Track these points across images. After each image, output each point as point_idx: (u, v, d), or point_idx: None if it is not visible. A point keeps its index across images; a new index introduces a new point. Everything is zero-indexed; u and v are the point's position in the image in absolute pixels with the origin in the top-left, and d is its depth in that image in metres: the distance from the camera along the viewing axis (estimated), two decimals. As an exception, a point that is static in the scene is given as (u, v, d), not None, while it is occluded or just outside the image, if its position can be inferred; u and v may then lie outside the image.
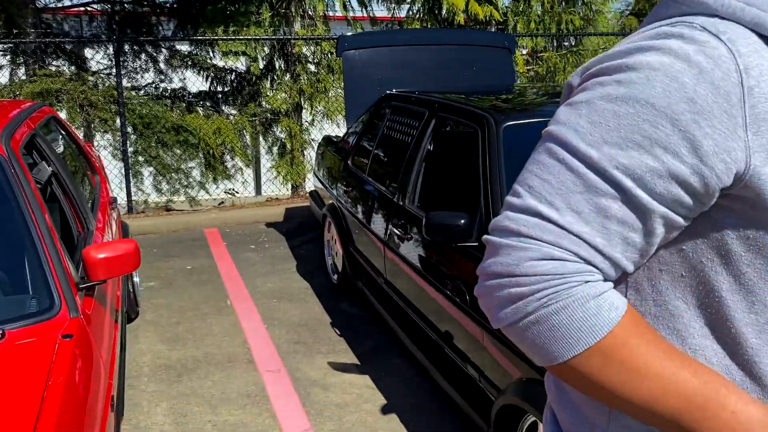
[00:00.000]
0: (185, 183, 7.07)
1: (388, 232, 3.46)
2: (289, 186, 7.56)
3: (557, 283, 0.74)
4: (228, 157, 7.32)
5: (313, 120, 7.57)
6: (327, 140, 5.39)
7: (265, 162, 7.60)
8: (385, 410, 3.12)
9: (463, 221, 2.59)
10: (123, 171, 6.75)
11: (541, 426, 2.15)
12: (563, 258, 0.74)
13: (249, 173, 7.46)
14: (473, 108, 3.08)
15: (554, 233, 0.74)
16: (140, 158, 6.88)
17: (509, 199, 0.79)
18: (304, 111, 7.60)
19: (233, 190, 7.49)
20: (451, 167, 3.51)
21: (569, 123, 0.77)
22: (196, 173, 7.16)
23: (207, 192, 7.19)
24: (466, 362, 2.67)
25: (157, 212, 6.89)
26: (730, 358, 0.79)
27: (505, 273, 0.76)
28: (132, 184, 6.80)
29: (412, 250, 3.18)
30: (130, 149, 6.77)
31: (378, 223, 3.63)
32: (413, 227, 3.18)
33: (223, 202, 7.32)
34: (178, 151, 7.02)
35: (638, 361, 0.74)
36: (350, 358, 3.65)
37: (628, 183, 0.73)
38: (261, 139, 7.57)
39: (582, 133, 0.75)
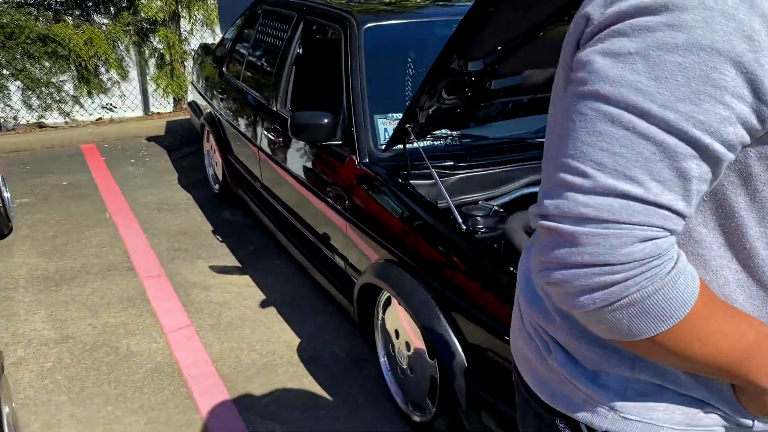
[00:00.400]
0: (57, 98, 6.71)
1: (262, 137, 3.54)
2: (171, 99, 7.35)
3: (654, 265, 0.71)
4: (103, 69, 6.99)
5: (192, 29, 7.31)
6: (203, 48, 5.28)
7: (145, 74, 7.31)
8: (264, 304, 3.30)
9: (326, 120, 2.72)
10: (-14, 85, 6.32)
11: (394, 300, 2.39)
12: (656, 237, 0.71)
13: (126, 86, 7.16)
14: (337, 10, 3.15)
15: (642, 212, 0.70)
16: (5, 71, 6.44)
17: (572, 179, 0.72)
18: (182, 20, 7.30)
19: (111, 104, 7.20)
20: (319, 70, 3.59)
21: (627, 82, 0.69)
22: (69, 87, 6.81)
23: (82, 107, 6.87)
24: (333, 252, 2.86)
25: (30, 129, 6.55)
26: (744, 273, 0.81)
27: (596, 263, 0.71)
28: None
29: (283, 153, 3.29)
30: (-8, 62, 6.32)
31: (252, 128, 3.69)
32: (284, 131, 3.27)
33: (101, 118, 7.04)
34: (47, 64, 6.60)
35: (712, 325, 0.75)
36: (231, 261, 3.78)
37: (707, 139, 0.69)
38: (137, 50, 7.24)
39: (649, 93, 0.69)
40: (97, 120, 6.94)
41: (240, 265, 3.72)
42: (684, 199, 0.71)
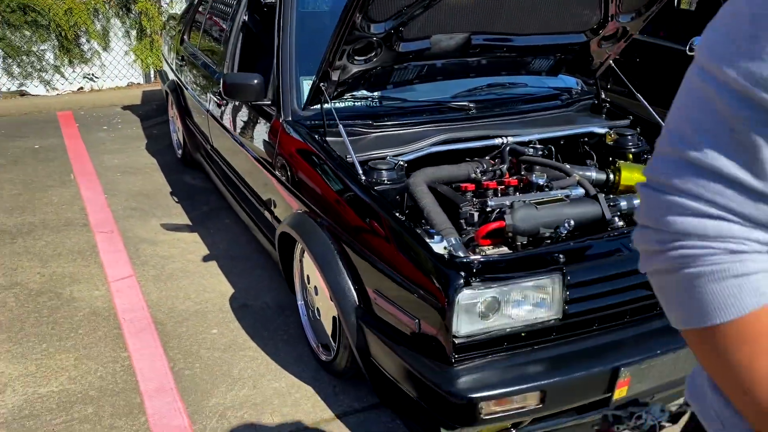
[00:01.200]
0: (38, 67, 6.86)
1: (210, 101, 3.68)
2: (152, 71, 7.48)
3: (699, 245, 0.70)
4: (84, 39, 7.13)
5: (172, 1, 7.42)
6: (170, 17, 5.41)
7: (123, 46, 7.43)
8: (206, 259, 3.47)
9: (256, 81, 2.86)
10: (-33, 52, 6.46)
11: (307, 253, 2.54)
12: (714, 216, 0.69)
13: (106, 57, 7.29)
14: (275, -23, 3.27)
15: (710, 189, 0.69)
16: (-15, 39, 6.58)
17: (662, 146, 0.74)
18: (162, -8, 7.42)
19: (92, 75, 7.34)
20: (264, 35, 3.71)
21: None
22: (49, 56, 6.95)
23: (63, 76, 7.01)
24: (263, 207, 3.02)
25: (11, 96, 6.70)
26: None
27: (649, 224, 0.74)
28: (-21, 66, 6.54)
29: (226, 116, 3.44)
30: (-27, 29, 6.46)
31: (204, 94, 3.84)
32: (227, 93, 3.41)
33: (82, 88, 7.18)
34: (28, 33, 6.75)
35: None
36: (183, 220, 3.95)
37: None
38: (118, 21, 7.36)
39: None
40: (78, 89, 7.08)
41: (191, 224, 3.88)
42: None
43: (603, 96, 3.25)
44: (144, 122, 5.93)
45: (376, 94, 2.87)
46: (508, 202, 2.32)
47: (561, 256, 2.00)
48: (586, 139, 3.01)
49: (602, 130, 2.96)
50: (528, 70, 3.05)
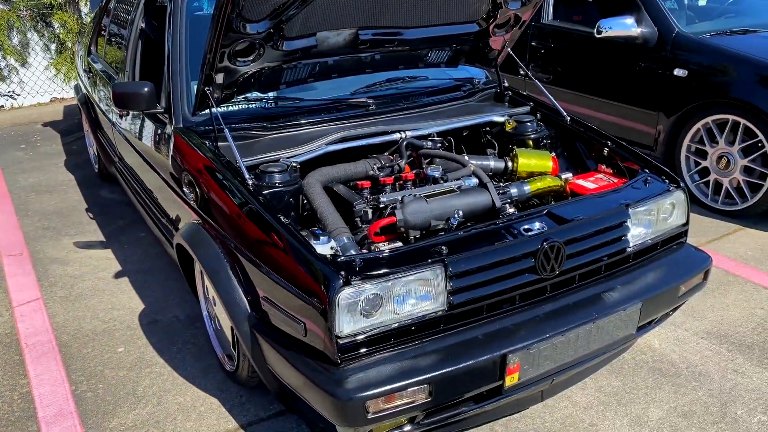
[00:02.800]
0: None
1: (113, 112, 3.58)
2: (73, 84, 7.27)
3: None
4: (0, 56, 6.89)
5: (91, 11, 7.22)
6: (81, 27, 5.26)
7: (43, 60, 7.20)
8: (118, 275, 3.37)
9: (146, 89, 2.77)
10: None
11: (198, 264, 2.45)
12: None
13: (25, 73, 7.06)
14: (165, -18, 3.19)
15: None
16: None
17: None
18: (80, 3, 7.22)
19: (12, 92, 7.11)
20: (157, 42, 3.62)
21: None
22: (-37, 76, 6.70)
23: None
24: (165, 218, 2.95)
25: (-77, 120, 6.44)
26: None
27: None
28: None
29: (127, 126, 3.35)
30: None
31: (108, 104, 3.73)
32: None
33: (2, 106, 6.96)
34: (-62, 52, 6.50)
35: None
36: (97, 236, 3.84)
37: None
38: (36, 35, 7.14)
39: None
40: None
41: (104, 240, 3.77)
42: None
43: (505, 84, 3.26)
44: (64, 138, 5.76)
45: (271, 95, 2.82)
46: (399, 198, 2.31)
47: (444, 247, 1.99)
48: (488, 128, 3.02)
49: (501, 119, 2.97)
50: (426, 62, 3.03)
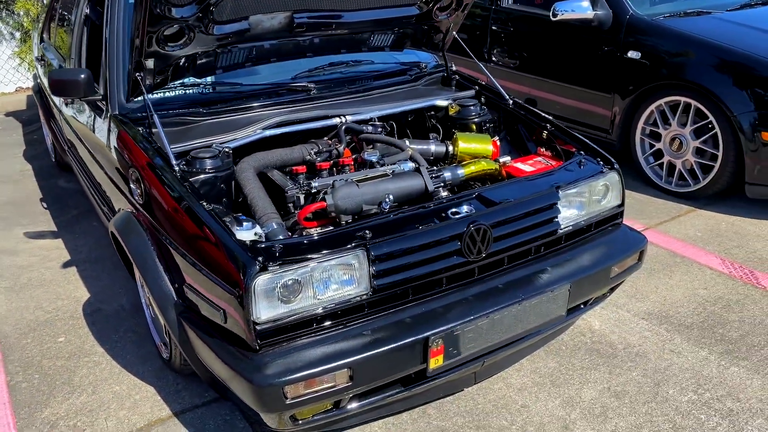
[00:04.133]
0: None
1: (60, 100, 3.54)
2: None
3: None
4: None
5: (54, 0, 7.12)
6: (39, 16, 5.18)
7: (7, 49, 7.10)
8: (66, 265, 3.35)
9: (83, 76, 2.73)
10: None
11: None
12: None
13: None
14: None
15: None
16: None
17: None
18: (44, -9, 7.11)
19: (-23, 81, 7.01)
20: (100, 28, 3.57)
21: None
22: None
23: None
24: (107, 206, 2.92)
25: None
26: None
27: None
28: None
29: (71, 113, 3.31)
30: None
31: (57, 92, 3.68)
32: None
33: (-33, 96, 6.85)
34: None
35: None
36: (50, 226, 3.80)
37: None
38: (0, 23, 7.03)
39: None
40: (-38, 98, 6.75)
41: (56, 230, 3.74)
42: None
43: (453, 68, 3.24)
44: (25, 128, 5.70)
45: (209, 80, 2.79)
46: (331, 182, 2.30)
47: (368, 232, 1.99)
48: (433, 113, 3.01)
49: (445, 103, 2.96)
50: (369, 46, 3.01)
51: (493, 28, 4.94)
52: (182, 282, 2.11)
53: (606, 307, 2.87)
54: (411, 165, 2.44)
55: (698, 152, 3.83)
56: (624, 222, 2.56)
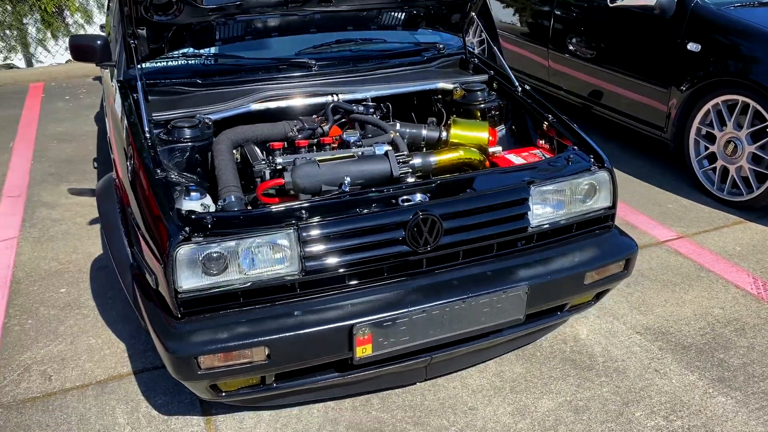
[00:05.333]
0: (22, 40, 7.09)
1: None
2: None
3: None
4: (67, 12, 7.31)
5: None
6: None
7: (102, 18, 7.56)
8: (92, 222, 3.54)
9: (99, 42, 2.86)
10: (-47, 28, 6.74)
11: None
12: None
13: (89, 30, 7.45)
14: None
15: None
16: (-31, 15, 6.84)
17: None
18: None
19: (79, 47, 7.53)
20: None
21: None
22: (33, 30, 7.16)
23: (46, 49, 7.22)
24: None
25: (-4, 70, 6.97)
26: None
27: None
28: (-35, 41, 6.81)
29: (105, 78, 3.48)
30: (-44, 5, 6.72)
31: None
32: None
33: (70, 60, 7.39)
34: (9, 7, 6.98)
35: None
36: (92, 185, 4.03)
37: None
38: (101, -7, 7.50)
39: None
40: (66, 62, 7.29)
41: (95, 188, 3.96)
42: None
43: (473, 51, 3.10)
44: (106, 92, 6.06)
45: (212, 51, 2.84)
46: (294, 160, 2.27)
47: (305, 212, 1.95)
48: (439, 96, 2.90)
49: (450, 86, 2.84)
50: (378, 24, 2.94)
51: (557, 12, 4.68)
52: (135, 245, 2.17)
53: (601, 316, 2.67)
54: (386, 148, 2.36)
55: (754, 159, 3.45)
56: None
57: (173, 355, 1.83)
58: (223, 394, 2.00)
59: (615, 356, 2.44)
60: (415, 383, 2.30)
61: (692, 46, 3.65)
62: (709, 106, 3.60)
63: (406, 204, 2.02)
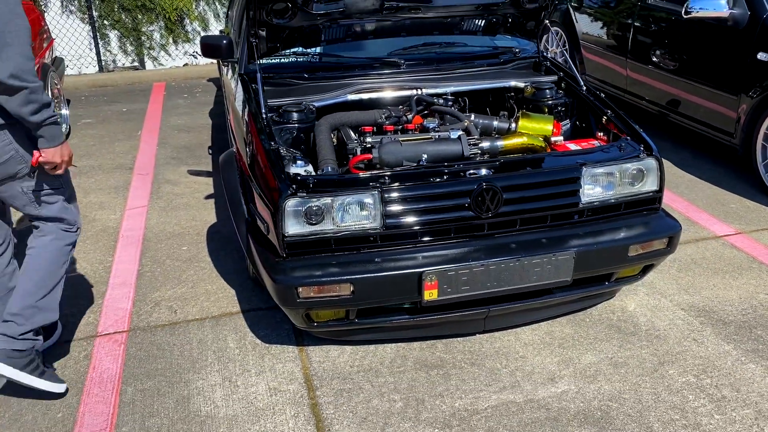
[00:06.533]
0: (148, 45, 7.98)
1: (223, 65, 4.32)
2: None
3: None
4: (187, 21, 8.15)
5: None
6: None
7: (220, 26, 8.36)
8: (209, 197, 4.12)
9: (225, 42, 3.41)
10: (91, 34, 7.69)
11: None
12: None
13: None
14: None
15: None
16: (105, 22, 7.78)
17: None
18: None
19: (196, 52, 8.36)
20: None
21: None
22: (157, 36, 8.04)
23: (168, 53, 8.07)
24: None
25: (125, 70, 7.87)
26: None
27: None
28: (101, 45, 7.75)
29: (224, 74, 4.05)
30: (95, 14, 7.66)
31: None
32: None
33: (187, 64, 8.23)
34: (139, 16, 7.88)
35: None
36: (208, 167, 4.65)
37: None
38: (218, 4, 8.30)
39: None
40: (184, 65, 8.13)
41: (210, 170, 4.57)
42: None
43: (546, 55, 3.45)
44: (219, 91, 6.77)
45: (317, 50, 3.33)
46: (381, 140, 2.71)
47: (387, 178, 2.38)
48: (512, 93, 3.27)
49: (522, 85, 3.20)
50: (461, 30, 3.35)
51: (636, 24, 4.93)
52: (251, 203, 2.67)
53: (650, 294, 2.95)
54: (459, 133, 2.76)
55: (819, 163, 3.60)
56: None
57: (279, 285, 2.30)
58: (315, 324, 2.46)
59: (657, 326, 2.72)
60: (474, 334, 2.67)
61: (762, 56, 3.83)
62: (776, 112, 3.78)
63: (472, 176, 2.41)
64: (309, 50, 3.31)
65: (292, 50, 3.28)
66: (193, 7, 8.04)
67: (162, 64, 8.00)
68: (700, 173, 4.31)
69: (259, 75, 2.97)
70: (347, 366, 2.53)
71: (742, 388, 2.35)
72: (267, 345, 2.67)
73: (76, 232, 2.46)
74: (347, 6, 3.00)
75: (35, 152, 2.19)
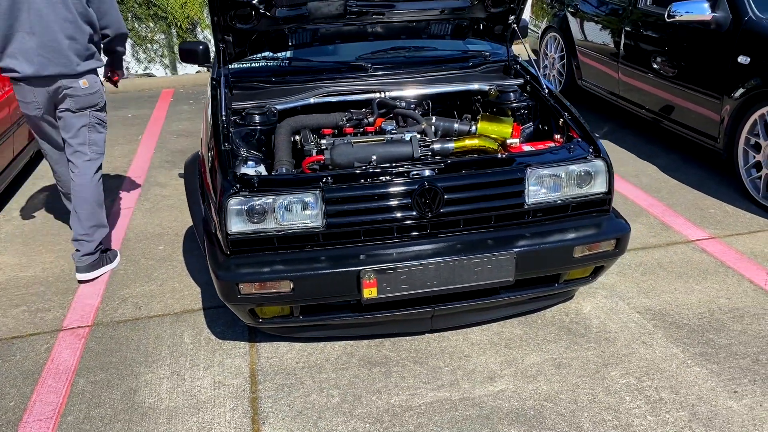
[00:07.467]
0: (159, 53, 8.18)
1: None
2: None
3: None
4: (199, 29, 8.34)
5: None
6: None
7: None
8: (193, 199, 4.23)
9: (201, 47, 3.52)
10: (106, 42, 7.92)
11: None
12: None
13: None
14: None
15: None
16: (119, 30, 8.02)
17: None
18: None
19: (208, 60, 8.54)
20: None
21: None
22: (168, 42, 8.24)
23: (179, 61, 8.26)
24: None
25: (137, 77, 8.08)
26: None
27: None
28: (115, 53, 7.98)
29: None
30: (110, 22, 7.90)
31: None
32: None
33: (199, 71, 8.41)
34: (151, 24, 8.09)
35: None
36: (198, 171, 4.76)
37: None
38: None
39: None
40: (196, 72, 8.31)
41: (200, 174, 4.68)
42: None
43: (515, 58, 3.47)
44: (223, 97, 6.90)
45: (287, 55, 3.41)
46: (333, 141, 2.76)
47: (329, 178, 2.43)
48: (478, 97, 3.29)
49: (486, 88, 3.22)
50: (428, 34, 3.39)
51: (627, 29, 4.90)
52: (206, 201, 2.75)
53: (608, 296, 2.94)
54: (411, 135, 2.79)
55: (797, 167, 3.54)
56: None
57: (221, 282, 2.37)
58: (261, 320, 2.52)
59: (609, 328, 2.72)
60: (423, 333, 2.70)
61: (742, 59, 3.78)
62: (756, 116, 3.72)
63: (414, 177, 2.45)
64: (278, 54, 3.39)
65: (262, 55, 3.36)
66: (204, 15, 8.23)
67: (174, 72, 8.20)
68: (685, 178, 4.26)
69: (222, 79, 3.06)
70: (293, 362, 2.58)
71: (682, 390, 2.34)
72: (220, 341, 2.74)
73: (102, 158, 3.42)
74: (311, 11, 3.06)
75: (116, 75, 3.66)
